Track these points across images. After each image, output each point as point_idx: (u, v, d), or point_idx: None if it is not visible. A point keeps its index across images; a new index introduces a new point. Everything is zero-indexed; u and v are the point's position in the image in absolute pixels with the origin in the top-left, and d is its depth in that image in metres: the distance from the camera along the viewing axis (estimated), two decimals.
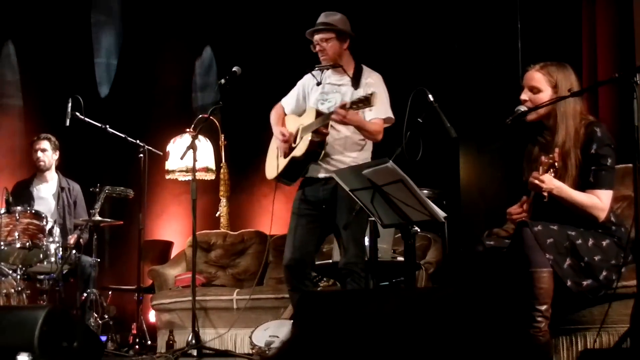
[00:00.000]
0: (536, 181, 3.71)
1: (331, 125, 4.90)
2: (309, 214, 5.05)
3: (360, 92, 4.91)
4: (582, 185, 3.81)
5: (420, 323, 2.72)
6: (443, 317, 2.76)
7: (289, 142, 5.08)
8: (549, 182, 3.70)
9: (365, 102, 4.57)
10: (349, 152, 4.98)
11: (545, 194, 3.72)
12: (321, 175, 4.99)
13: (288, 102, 5.32)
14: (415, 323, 2.67)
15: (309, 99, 5.19)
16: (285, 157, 5.10)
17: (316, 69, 5.13)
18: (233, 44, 8.64)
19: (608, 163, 3.82)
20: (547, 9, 6.43)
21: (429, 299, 2.94)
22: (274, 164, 5.22)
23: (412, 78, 4.45)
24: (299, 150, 4.98)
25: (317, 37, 5.05)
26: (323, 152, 4.94)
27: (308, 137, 4.92)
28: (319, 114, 4.95)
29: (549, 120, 3.94)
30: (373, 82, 5.02)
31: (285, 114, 5.31)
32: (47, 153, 7.17)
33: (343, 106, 4.68)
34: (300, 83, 5.29)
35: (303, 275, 5.04)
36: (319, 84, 5.13)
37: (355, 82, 5.01)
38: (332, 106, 4.97)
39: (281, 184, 5.33)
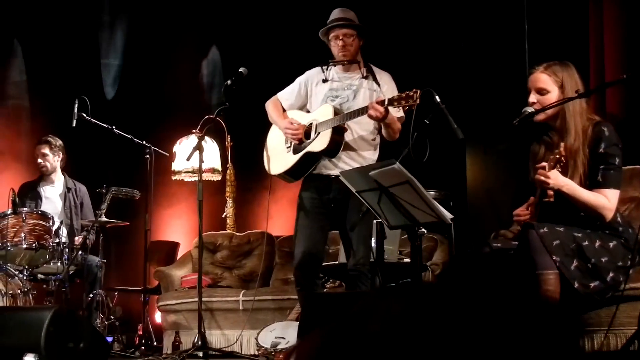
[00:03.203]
0: (542, 177, 3.70)
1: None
2: (318, 213, 4.98)
3: (377, 88, 4.90)
4: (589, 184, 3.80)
5: (427, 325, 2.70)
6: (449, 319, 2.74)
7: (300, 136, 5.00)
8: (556, 178, 3.70)
9: (407, 99, 4.42)
10: (362, 151, 4.93)
11: (551, 192, 3.71)
12: (333, 172, 4.89)
13: (286, 97, 5.24)
14: (422, 324, 2.65)
15: (314, 95, 5.13)
16: (295, 152, 5.02)
17: (330, 64, 5.10)
18: (239, 44, 8.65)
19: (616, 162, 3.81)
20: (554, 9, 6.41)
21: (435, 300, 2.92)
22: (279, 159, 5.13)
23: (419, 79, 4.42)
24: (317, 145, 4.88)
25: (340, 31, 4.98)
26: (341, 149, 4.88)
27: (328, 132, 4.83)
28: (337, 111, 4.89)
29: (556, 121, 3.92)
30: (387, 80, 5.00)
31: (284, 109, 5.24)
32: (48, 157, 7.17)
33: (381, 102, 4.58)
34: (301, 79, 5.22)
35: (313, 275, 5.01)
36: (325, 80, 5.11)
37: (372, 79, 4.98)
38: (343, 103, 4.94)
39: (280, 180, 5.27)
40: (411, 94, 4.40)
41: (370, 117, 4.67)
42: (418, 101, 4.34)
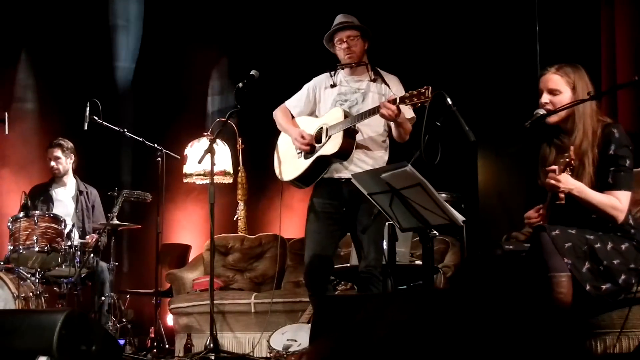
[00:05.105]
0: (553, 181, 3.69)
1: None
2: (329, 217, 4.96)
3: (386, 90, 4.90)
4: (600, 186, 3.79)
5: (438, 327, 2.70)
6: (460, 322, 2.74)
7: (311, 144, 4.99)
8: (566, 181, 3.69)
9: (419, 96, 4.40)
10: (373, 152, 4.92)
11: (562, 195, 3.70)
12: (344, 176, 4.87)
13: (295, 104, 5.23)
14: (433, 327, 2.66)
15: (323, 100, 5.12)
16: (306, 157, 5.01)
17: (338, 67, 5.10)
18: (251, 47, 8.66)
19: (627, 164, 3.80)
20: (565, 11, 6.40)
21: (446, 303, 2.92)
22: (290, 164, 5.13)
23: (430, 81, 4.40)
24: (329, 148, 4.87)
25: (344, 34, 4.99)
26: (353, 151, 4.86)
27: (339, 135, 4.83)
28: (347, 114, 4.88)
29: (567, 123, 3.92)
30: (395, 83, 5.00)
31: (292, 116, 5.23)
32: (61, 160, 7.20)
33: (393, 101, 4.56)
34: (309, 85, 5.22)
35: (323, 279, 5.00)
36: (333, 85, 5.11)
37: (381, 81, 4.98)
38: (352, 106, 4.94)
39: (291, 186, 5.28)
40: (423, 90, 4.38)
41: (383, 116, 4.65)
42: (430, 97, 4.32)
